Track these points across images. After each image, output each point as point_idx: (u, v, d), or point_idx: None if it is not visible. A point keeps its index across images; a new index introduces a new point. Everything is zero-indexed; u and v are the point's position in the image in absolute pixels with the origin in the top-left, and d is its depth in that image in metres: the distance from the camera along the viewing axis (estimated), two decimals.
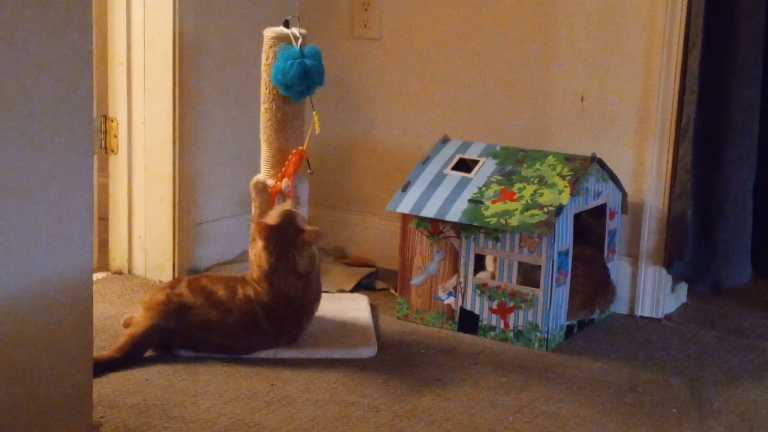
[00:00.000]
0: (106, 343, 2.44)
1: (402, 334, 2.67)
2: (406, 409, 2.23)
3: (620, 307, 2.87)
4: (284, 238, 2.42)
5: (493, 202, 2.62)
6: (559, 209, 2.56)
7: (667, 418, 2.24)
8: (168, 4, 2.84)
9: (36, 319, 1.83)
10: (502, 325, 2.64)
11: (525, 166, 2.71)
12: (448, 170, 2.76)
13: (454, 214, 2.63)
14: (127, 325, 2.48)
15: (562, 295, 2.63)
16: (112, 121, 2.97)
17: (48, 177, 1.81)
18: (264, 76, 2.62)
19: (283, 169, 2.59)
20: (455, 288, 2.68)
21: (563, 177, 2.64)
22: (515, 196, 2.63)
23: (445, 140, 2.87)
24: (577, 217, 2.66)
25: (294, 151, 2.60)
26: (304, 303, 2.48)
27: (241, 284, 2.48)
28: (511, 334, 2.62)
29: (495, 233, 2.60)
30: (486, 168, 2.73)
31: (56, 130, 1.81)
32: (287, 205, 2.49)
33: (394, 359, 2.50)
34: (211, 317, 2.42)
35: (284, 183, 2.60)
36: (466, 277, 2.66)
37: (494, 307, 2.64)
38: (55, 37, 1.78)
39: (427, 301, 2.72)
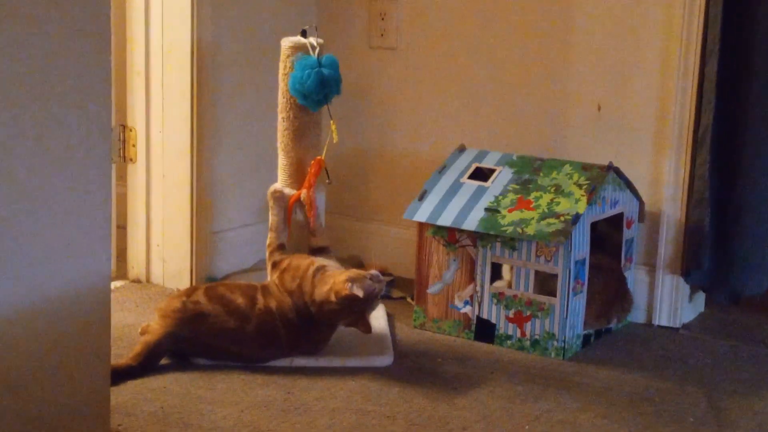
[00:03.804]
0: (124, 350, 2.45)
1: (418, 343, 2.67)
2: (423, 417, 2.23)
3: (637, 316, 2.87)
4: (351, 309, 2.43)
5: (510, 211, 2.62)
6: (576, 218, 2.55)
7: (684, 428, 2.24)
8: (186, 14, 2.86)
9: (54, 327, 1.84)
10: (518, 334, 2.63)
11: (542, 174, 2.71)
12: (464, 179, 2.76)
13: (471, 223, 2.63)
14: (143, 333, 2.49)
15: (579, 304, 2.62)
16: (131, 130, 2.99)
17: (67, 186, 1.83)
18: (281, 86, 2.63)
19: (307, 178, 2.60)
20: (472, 297, 2.68)
21: (580, 186, 2.64)
22: (532, 205, 2.63)
23: (462, 149, 2.88)
24: (594, 226, 2.66)
25: (312, 161, 2.61)
26: (328, 328, 2.49)
27: (263, 293, 2.48)
28: (528, 343, 2.62)
29: (511, 242, 2.60)
30: (502, 177, 2.74)
31: (75, 139, 1.83)
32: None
33: (411, 368, 2.50)
34: (229, 326, 2.43)
35: (303, 193, 2.61)
36: (482, 286, 2.66)
37: (511, 316, 2.64)
38: (73, 48, 1.80)
39: (444, 309, 2.73)
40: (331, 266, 2.50)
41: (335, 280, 2.41)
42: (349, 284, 2.37)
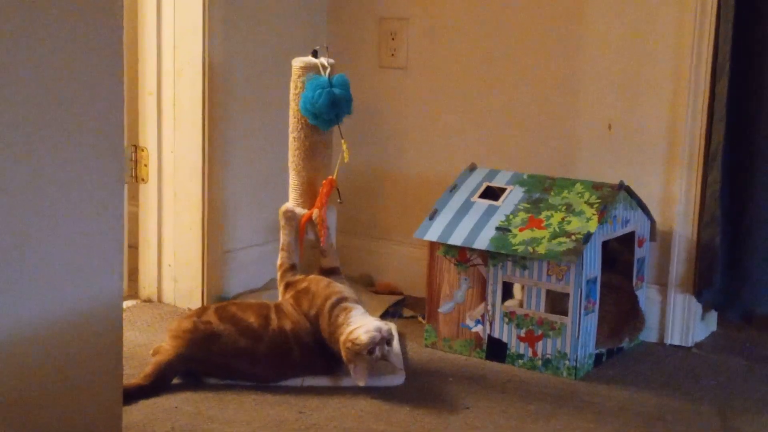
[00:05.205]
0: (135, 370, 2.45)
1: (430, 362, 2.66)
2: None
3: (649, 335, 2.86)
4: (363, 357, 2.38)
5: (521, 230, 2.62)
6: (587, 237, 2.55)
7: None
8: (198, 34, 2.87)
9: (66, 347, 1.84)
10: (530, 354, 2.63)
11: (552, 193, 2.71)
12: (475, 198, 2.76)
13: (482, 242, 2.63)
14: (155, 353, 2.49)
15: (591, 323, 2.62)
16: (143, 150, 3.00)
17: (79, 205, 1.83)
18: (292, 106, 2.64)
19: (319, 197, 2.61)
20: (483, 316, 2.68)
21: (591, 205, 2.64)
22: (543, 224, 2.62)
23: (473, 168, 2.88)
24: (606, 244, 2.65)
25: (324, 180, 2.62)
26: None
27: (277, 313, 2.48)
28: (540, 363, 2.61)
29: (522, 261, 2.60)
30: (513, 196, 2.74)
31: (88, 159, 1.83)
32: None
33: (422, 387, 2.49)
34: (240, 345, 2.43)
35: (314, 213, 2.61)
36: (493, 305, 2.66)
37: (522, 335, 2.63)
38: (86, 68, 1.81)
39: (455, 329, 2.72)
40: (348, 300, 2.47)
41: (342, 345, 2.38)
42: (352, 372, 2.37)
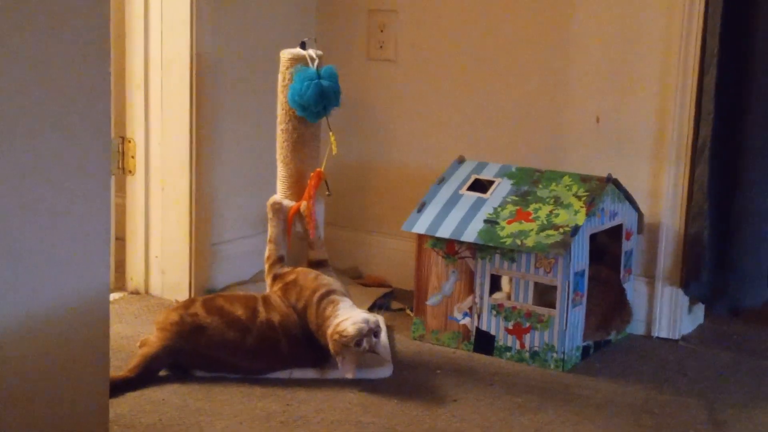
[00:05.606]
0: (122, 363, 2.45)
1: (418, 355, 2.66)
2: (422, 429, 2.23)
3: (637, 327, 2.86)
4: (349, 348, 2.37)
5: (509, 223, 2.62)
6: (575, 230, 2.55)
7: None
8: (185, 26, 2.86)
9: (53, 339, 1.84)
10: (518, 346, 2.63)
11: (540, 186, 2.72)
12: (463, 191, 2.76)
13: (470, 235, 2.63)
14: (142, 346, 2.48)
15: (578, 315, 2.62)
16: (130, 142, 2.99)
17: (66, 197, 1.83)
18: (280, 98, 2.63)
19: (307, 190, 2.60)
20: (471, 308, 2.68)
21: (579, 197, 2.64)
22: (531, 217, 2.63)
23: (461, 161, 2.88)
24: (593, 237, 2.66)
25: (312, 173, 2.61)
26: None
27: (264, 306, 2.48)
28: (527, 355, 2.62)
29: (511, 254, 2.60)
30: (501, 188, 2.74)
31: (75, 151, 1.83)
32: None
33: (410, 380, 2.49)
34: (227, 337, 2.42)
35: (302, 205, 2.61)
36: (481, 298, 2.66)
37: (510, 327, 2.63)
38: (73, 60, 1.80)
39: (443, 321, 2.72)
40: (336, 292, 2.48)
41: (330, 337, 2.37)
42: (340, 365, 2.37)
